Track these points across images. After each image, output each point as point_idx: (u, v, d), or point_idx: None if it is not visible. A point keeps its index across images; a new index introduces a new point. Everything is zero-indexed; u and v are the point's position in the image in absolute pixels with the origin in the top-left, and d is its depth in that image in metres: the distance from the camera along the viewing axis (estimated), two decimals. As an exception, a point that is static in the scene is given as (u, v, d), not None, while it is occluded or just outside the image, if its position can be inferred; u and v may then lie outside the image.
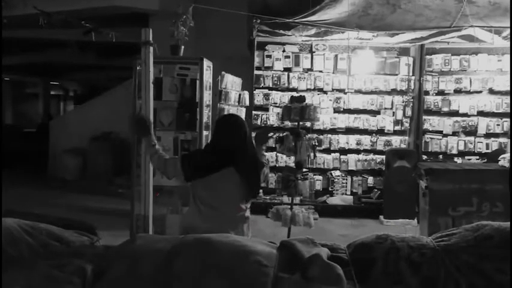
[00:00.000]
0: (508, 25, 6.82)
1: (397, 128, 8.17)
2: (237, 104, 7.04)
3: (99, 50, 14.94)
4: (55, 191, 9.64)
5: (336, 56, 8.16)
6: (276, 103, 8.10)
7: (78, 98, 25.22)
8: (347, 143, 8.17)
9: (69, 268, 2.03)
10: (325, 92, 8.18)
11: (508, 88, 7.55)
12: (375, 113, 8.19)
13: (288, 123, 7.50)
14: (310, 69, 8.18)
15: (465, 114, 8.04)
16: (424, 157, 7.95)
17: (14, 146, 15.52)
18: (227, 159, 3.12)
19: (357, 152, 8.21)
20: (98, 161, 10.90)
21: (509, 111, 7.64)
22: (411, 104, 8.11)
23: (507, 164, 6.01)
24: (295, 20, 7.12)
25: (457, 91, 8.05)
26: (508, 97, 7.64)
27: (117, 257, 2.10)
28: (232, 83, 6.95)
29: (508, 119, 7.75)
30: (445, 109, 8.05)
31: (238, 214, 3.21)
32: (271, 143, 5.59)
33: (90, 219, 2.99)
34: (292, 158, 6.17)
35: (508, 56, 7.41)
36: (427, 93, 8.06)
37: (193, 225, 3.12)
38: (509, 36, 7.05)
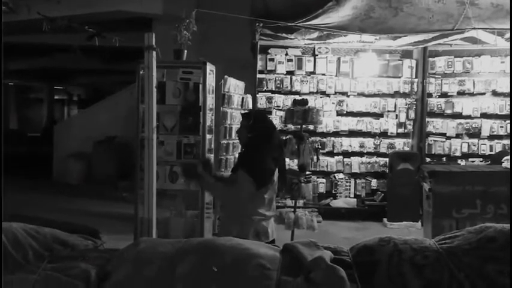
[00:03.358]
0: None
1: (401, 130, 8.17)
2: (240, 107, 7.05)
3: (102, 55, 15.00)
4: (59, 195, 9.68)
5: (339, 59, 8.18)
6: (279, 106, 8.11)
7: (82, 102, 25.34)
8: (350, 145, 8.17)
9: (74, 272, 2.04)
10: (328, 95, 8.19)
11: (512, 90, 7.54)
12: (378, 115, 8.19)
13: (291, 126, 7.52)
14: (313, 72, 8.20)
15: (468, 116, 8.03)
16: (428, 159, 7.95)
17: (19, 150, 15.62)
18: (278, 161, 3.38)
19: (360, 154, 8.21)
20: (102, 165, 10.94)
21: (512, 113, 7.64)
22: (414, 107, 8.11)
23: (511, 166, 6.00)
24: (298, 24, 7.14)
25: (460, 93, 8.05)
26: (512, 99, 7.63)
27: (121, 261, 2.11)
28: (235, 86, 6.96)
29: (512, 121, 7.74)
30: (449, 111, 8.05)
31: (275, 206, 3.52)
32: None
33: (94, 223, 3.00)
34: (296, 161, 6.17)
35: (511, 57, 7.40)
36: (430, 95, 8.07)
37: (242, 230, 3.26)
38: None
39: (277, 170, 3.36)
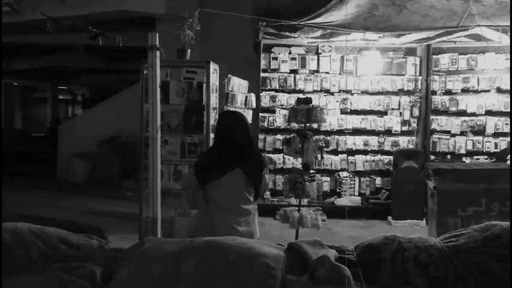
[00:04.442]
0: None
1: (405, 128, 8.14)
2: (243, 106, 7.06)
3: (106, 55, 15.03)
4: (63, 195, 9.71)
5: (342, 57, 8.16)
6: (283, 105, 8.11)
7: (86, 102, 25.41)
8: (354, 144, 8.16)
9: (79, 271, 2.04)
10: (332, 93, 8.17)
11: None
12: (382, 113, 8.17)
13: (294, 125, 7.52)
14: (317, 71, 8.18)
15: (473, 114, 7.99)
16: (432, 157, 7.92)
17: (23, 150, 15.68)
18: (235, 161, 3.21)
19: (365, 152, 8.20)
20: (107, 165, 10.97)
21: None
22: (418, 104, 8.08)
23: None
24: (301, 22, 7.12)
25: (465, 90, 8.02)
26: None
27: (126, 260, 2.11)
28: (238, 85, 6.97)
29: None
30: (453, 109, 8.01)
31: (247, 209, 3.30)
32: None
33: (99, 223, 3.00)
34: (299, 159, 6.16)
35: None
36: (434, 93, 8.03)
37: (207, 226, 3.22)
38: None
39: (243, 174, 3.22)
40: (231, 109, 6.57)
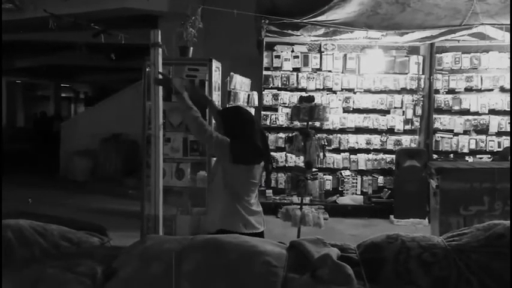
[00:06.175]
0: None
1: (407, 127, 8.12)
2: (246, 104, 7.05)
3: (108, 52, 15.02)
4: (65, 192, 9.71)
5: (345, 55, 8.14)
6: (285, 103, 8.09)
7: (89, 99, 25.42)
8: (357, 142, 8.14)
9: (80, 269, 2.04)
10: (335, 92, 8.15)
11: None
12: (384, 112, 8.15)
13: (297, 123, 7.50)
14: (319, 69, 8.17)
15: (476, 113, 7.97)
16: (435, 156, 7.90)
17: (25, 148, 15.72)
18: (263, 155, 3.31)
19: (367, 151, 8.18)
20: (108, 162, 10.98)
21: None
22: (421, 103, 8.06)
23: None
24: (304, 20, 7.10)
25: (468, 89, 7.99)
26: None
27: (128, 258, 2.11)
28: (241, 83, 6.96)
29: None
30: (456, 108, 7.99)
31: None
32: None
33: (101, 220, 3.00)
34: (302, 158, 6.16)
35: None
36: (437, 91, 8.01)
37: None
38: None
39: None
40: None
